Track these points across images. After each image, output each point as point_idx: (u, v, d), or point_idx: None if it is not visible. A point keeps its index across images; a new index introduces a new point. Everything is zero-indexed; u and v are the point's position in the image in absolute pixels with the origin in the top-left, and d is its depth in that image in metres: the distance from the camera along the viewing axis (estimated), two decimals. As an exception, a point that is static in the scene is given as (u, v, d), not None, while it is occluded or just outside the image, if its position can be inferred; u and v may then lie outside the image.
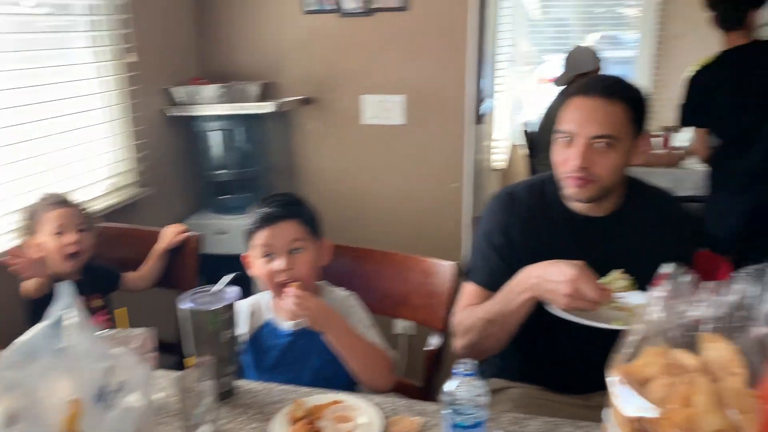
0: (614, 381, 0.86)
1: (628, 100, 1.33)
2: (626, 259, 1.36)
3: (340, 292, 1.49)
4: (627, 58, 4.43)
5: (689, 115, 2.75)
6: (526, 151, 3.63)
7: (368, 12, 2.42)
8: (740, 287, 0.84)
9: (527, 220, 1.42)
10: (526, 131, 3.62)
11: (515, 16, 4.47)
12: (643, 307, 0.92)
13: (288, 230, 1.37)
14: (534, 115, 3.86)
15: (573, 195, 1.36)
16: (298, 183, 2.65)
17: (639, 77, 4.35)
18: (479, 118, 2.84)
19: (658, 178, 2.98)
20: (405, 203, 2.59)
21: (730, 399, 0.79)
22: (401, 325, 2.47)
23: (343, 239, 2.58)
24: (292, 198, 1.45)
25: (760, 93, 2.56)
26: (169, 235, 1.81)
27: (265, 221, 1.38)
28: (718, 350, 0.85)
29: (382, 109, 2.51)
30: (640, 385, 0.87)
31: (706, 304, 0.81)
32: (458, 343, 1.41)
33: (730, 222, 2.72)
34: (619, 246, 1.40)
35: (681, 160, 3.04)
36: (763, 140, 2.57)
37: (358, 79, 2.51)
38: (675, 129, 3.47)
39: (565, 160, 1.33)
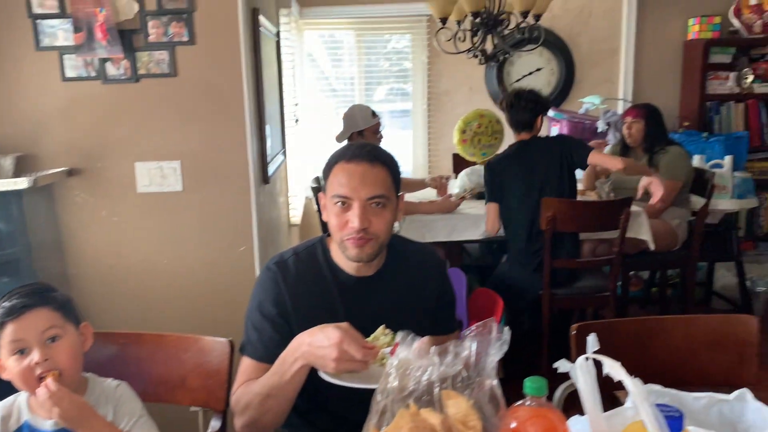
0: (365, 451, 0.88)
1: (387, 164, 1.43)
2: (394, 314, 1.43)
3: (110, 383, 1.39)
4: (409, 110, 4.77)
5: (488, 194, 3.09)
6: (316, 206, 3.70)
7: (134, 78, 2.33)
8: (468, 343, 0.91)
9: (297, 287, 1.44)
10: (313, 187, 3.69)
11: (306, 73, 4.61)
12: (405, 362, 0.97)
13: (39, 319, 1.27)
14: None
15: (355, 256, 1.40)
16: (66, 262, 2.43)
17: (415, 128, 4.70)
18: (266, 178, 2.85)
19: (437, 224, 3.24)
20: (192, 273, 2.48)
21: (467, 453, 0.85)
22: (196, 402, 2.34)
23: (124, 320, 2.45)
24: (38, 286, 1.34)
25: (542, 182, 2.94)
26: None
27: (10, 315, 1.26)
28: (457, 406, 0.92)
29: (158, 176, 2.41)
30: (393, 450, 0.90)
31: (439, 364, 0.86)
32: (238, 422, 1.37)
33: (531, 290, 3.05)
34: (386, 302, 1.47)
35: (457, 206, 3.29)
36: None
37: (129, 146, 2.39)
38: (449, 177, 3.78)
39: (345, 223, 1.38)
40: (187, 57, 2.34)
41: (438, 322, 1.56)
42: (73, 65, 2.32)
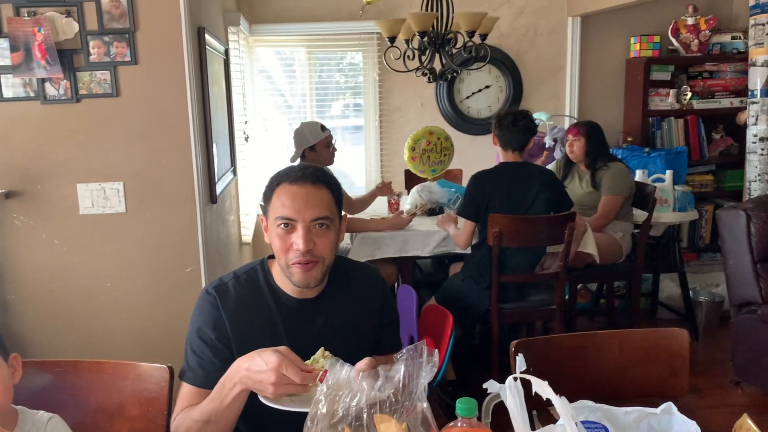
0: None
1: (329, 186, 1.43)
2: (337, 335, 1.44)
3: (42, 415, 1.34)
4: (362, 126, 4.78)
5: (466, 208, 3.06)
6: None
7: (75, 99, 2.29)
8: (399, 367, 0.92)
9: (237, 311, 1.42)
10: (261, 205, 3.66)
11: (258, 90, 4.59)
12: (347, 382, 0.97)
13: None
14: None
15: (302, 281, 1.40)
16: (5, 287, 2.36)
17: (368, 144, 4.73)
18: (214, 197, 2.82)
19: (388, 240, 3.26)
20: (138, 296, 2.44)
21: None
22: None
23: (66, 346, 2.39)
24: None
25: (528, 206, 2.98)
26: None
27: None
28: (389, 429, 0.92)
29: (101, 198, 2.37)
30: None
31: (368, 390, 0.87)
32: (177, 449, 1.34)
33: (481, 305, 3.09)
34: (329, 324, 1.47)
35: (408, 223, 3.31)
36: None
37: (71, 167, 2.34)
38: (401, 193, 3.81)
39: (289, 246, 1.38)
40: (130, 77, 2.32)
41: (381, 342, 1.56)
42: (10, 85, 2.27)
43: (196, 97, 2.48)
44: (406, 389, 0.89)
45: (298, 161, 3.40)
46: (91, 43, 2.27)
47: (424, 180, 3.83)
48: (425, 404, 0.90)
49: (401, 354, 0.92)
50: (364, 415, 0.87)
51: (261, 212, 1.49)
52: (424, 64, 3.44)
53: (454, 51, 3.47)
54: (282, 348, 1.21)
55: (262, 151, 4.62)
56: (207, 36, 2.80)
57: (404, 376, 0.89)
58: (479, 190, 3.00)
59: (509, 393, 0.93)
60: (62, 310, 2.40)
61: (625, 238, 3.50)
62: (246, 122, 4.11)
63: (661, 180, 3.82)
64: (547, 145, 4.18)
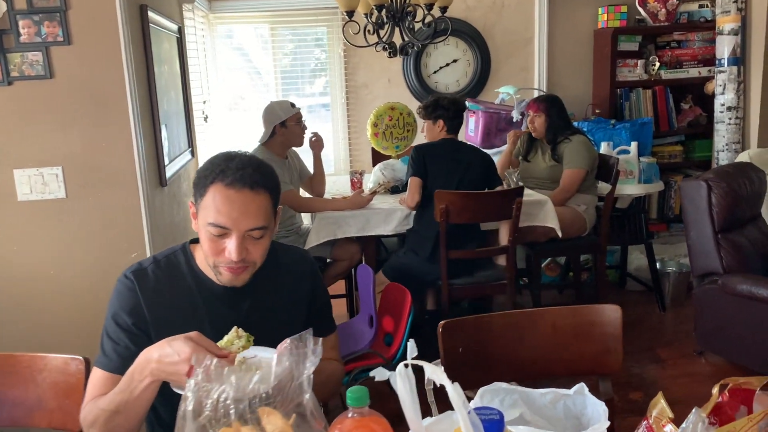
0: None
1: (268, 188, 1.35)
2: (264, 321, 1.40)
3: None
4: (329, 104, 4.70)
5: (412, 170, 3.15)
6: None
7: (6, 81, 2.21)
8: (285, 357, 0.88)
9: (157, 297, 1.38)
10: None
11: (221, 68, 4.50)
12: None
13: None
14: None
15: (229, 282, 1.36)
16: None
17: (335, 121, 4.65)
18: (164, 180, 2.75)
19: (349, 220, 3.21)
20: (82, 282, 2.38)
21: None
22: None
23: (8, 337, 2.32)
24: None
25: (460, 178, 3.04)
26: None
27: None
28: (273, 423, 0.89)
29: (39, 183, 2.30)
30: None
31: (238, 383, 0.83)
32: (86, 439, 1.30)
33: (427, 278, 3.09)
34: (256, 310, 1.43)
35: (369, 201, 3.26)
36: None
37: (6, 153, 2.27)
38: (363, 172, 3.75)
39: (221, 251, 1.32)
40: (64, 57, 2.24)
41: (314, 325, 1.52)
42: (-62, 68, 2.19)
43: (136, 77, 2.40)
44: (280, 382, 0.85)
45: (267, 140, 3.30)
46: (20, 23, 2.18)
47: (389, 157, 3.77)
48: (308, 395, 0.86)
49: (284, 344, 0.88)
50: (231, 410, 0.83)
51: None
52: (383, 38, 3.37)
53: (416, 25, 3.39)
54: (193, 334, 1.16)
55: (225, 130, 4.53)
56: (151, 13, 2.71)
57: (280, 369, 0.85)
58: (420, 154, 3.15)
59: (399, 380, 0.89)
60: (4, 299, 2.34)
61: (589, 210, 3.48)
62: (205, 102, 4.02)
63: (626, 152, 3.78)
64: (514, 119, 4.13)
